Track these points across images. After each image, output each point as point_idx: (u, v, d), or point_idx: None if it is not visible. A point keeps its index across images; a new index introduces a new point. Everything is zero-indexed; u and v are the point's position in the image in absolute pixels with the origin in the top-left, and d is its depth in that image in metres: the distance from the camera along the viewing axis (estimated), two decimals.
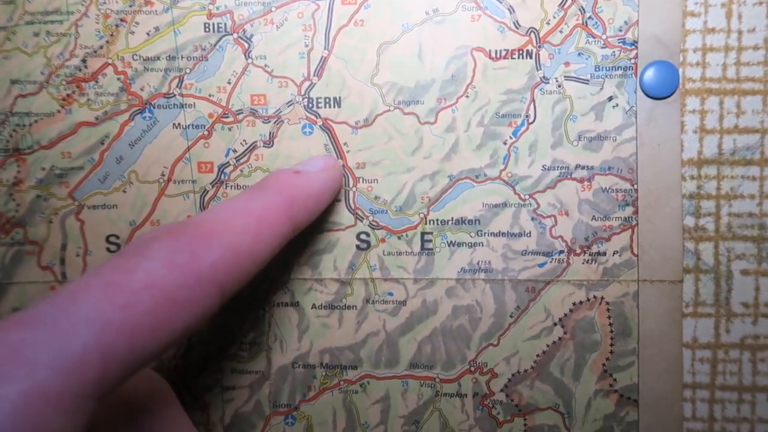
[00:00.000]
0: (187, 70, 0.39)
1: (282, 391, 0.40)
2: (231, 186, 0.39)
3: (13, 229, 0.40)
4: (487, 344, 0.39)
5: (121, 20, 0.38)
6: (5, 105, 0.39)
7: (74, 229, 0.40)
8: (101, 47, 0.39)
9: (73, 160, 0.39)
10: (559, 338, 0.39)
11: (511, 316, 0.39)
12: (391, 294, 0.39)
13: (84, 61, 0.39)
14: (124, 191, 0.39)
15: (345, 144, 0.39)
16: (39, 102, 0.39)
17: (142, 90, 0.39)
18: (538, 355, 0.39)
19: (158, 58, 0.39)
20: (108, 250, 0.40)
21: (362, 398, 0.40)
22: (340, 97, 0.38)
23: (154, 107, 0.39)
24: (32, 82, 0.39)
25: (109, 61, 0.39)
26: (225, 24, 0.38)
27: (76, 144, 0.39)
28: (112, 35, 0.38)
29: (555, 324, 0.39)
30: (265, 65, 0.38)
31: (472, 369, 0.40)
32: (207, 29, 0.38)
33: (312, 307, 0.40)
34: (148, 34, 0.38)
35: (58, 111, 0.39)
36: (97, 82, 0.39)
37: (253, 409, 0.41)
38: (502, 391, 0.39)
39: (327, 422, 0.40)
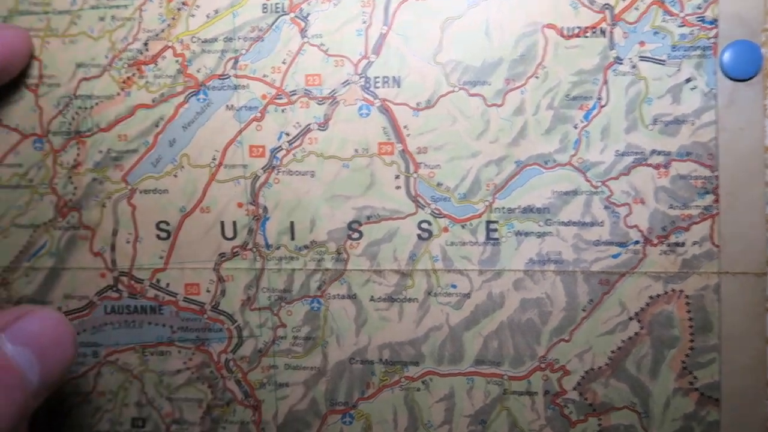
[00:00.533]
0: (243, 51, 0.39)
1: (339, 389, 0.40)
2: (283, 171, 0.39)
3: (70, 212, 0.41)
4: (558, 340, 0.38)
5: (183, 4, 0.39)
6: (70, 88, 0.41)
7: (126, 214, 0.40)
8: (163, 31, 0.40)
9: (128, 143, 0.40)
10: (635, 333, 0.38)
11: (584, 310, 0.38)
12: (454, 286, 0.39)
13: (146, 44, 0.40)
14: (175, 175, 0.40)
15: (405, 127, 0.38)
16: (101, 85, 0.41)
17: (198, 72, 0.39)
18: (612, 351, 0.38)
19: (216, 40, 0.39)
20: (158, 237, 0.40)
21: (425, 396, 0.39)
22: (399, 77, 0.38)
23: (208, 89, 0.39)
24: (96, 66, 0.40)
25: (169, 44, 0.40)
26: (282, 4, 0.39)
27: (133, 126, 0.40)
28: (174, 19, 0.40)
29: (630, 318, 0.38)
30: (321, 44, 0.39)
31: (543, 366, 0.39)
32: (265, 10, 0.39)
33: (370, 300, 0.39)
34: (207, 16, 0.39)
35: (118, 93, 0.40)
36: (156, 64, 0.40)
37: (308, 407, 0.40)
38: (574, 389, 0.38)
39: (387, 421, 0.39)
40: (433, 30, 0.41)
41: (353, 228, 0.43)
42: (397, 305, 0.43)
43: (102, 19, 0.44)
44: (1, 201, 0.45)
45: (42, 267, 0.45)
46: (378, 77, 0.42)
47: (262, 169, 0.43)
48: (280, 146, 0.43)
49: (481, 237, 0.42)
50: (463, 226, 0.42)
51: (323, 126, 0.43)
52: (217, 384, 0.45)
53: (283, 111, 0.43)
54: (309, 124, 0.43)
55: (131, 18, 0.44)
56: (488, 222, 0.42)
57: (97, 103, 0.44)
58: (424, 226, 0.43)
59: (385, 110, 0.42)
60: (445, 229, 0.42)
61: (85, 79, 0.44)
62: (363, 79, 0.42)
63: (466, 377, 0.42)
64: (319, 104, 0.43)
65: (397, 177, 0.42)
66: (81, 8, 0.44)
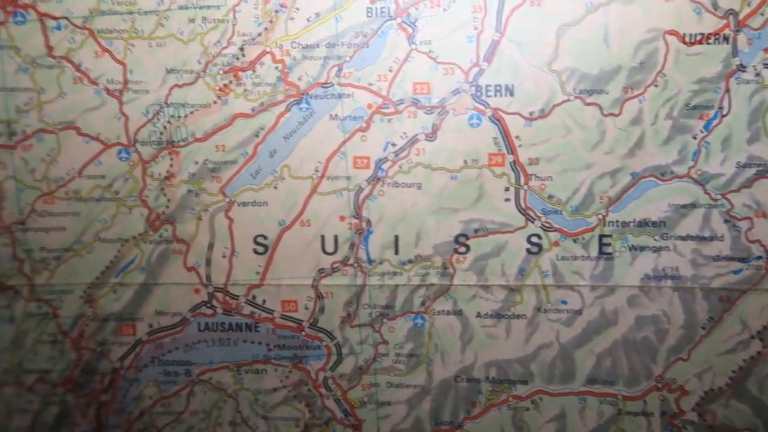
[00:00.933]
0: (347, 58, 0.38)
1: (444, 407, 0.39)
2: (388, 183, 0.37)
3: (162, 225, 0.39)
4: (676, 358, 0.38)
5: (281, 5, 0.38)
6: (160, 95, 0.39)
7: (223, 227, 0.39)
8: (259, 34, 0.38)
9: (226, 154, 0.39)
10: (758, 353, 0.37)
11: (703, 328, 0.37)
12: (565, 302, 0.38)
13: (242, 49, 0.38)
14: (276, 187, 0.38)
15: (517, 137, 0.37)
16: (195, 92, 0.39)
17: (299, 79, 0.38)
18: (733, 371, 0.37)
19: (317, 46, 0.38)
20: (255, 251, 0.39)
21: (534, 416, 0.38)
22: (512, 85, 0.37)
23: (311, 98, 0.38)
24: (188, 72, 0.38)
25: (267, 49, 0.38)
26: (388, 8, 0.37)
27: (231, 136, 0.39)
28: (271, 21, 0.38)
29: (752, 337, 0.37)
30: (430, 51, 0.37)
31: (660, 386, 0.38)
32: (369, 14, 0.38)
33: (477, 316, 0.39)
34: (308, 20, 0.38)
35: (215, 102, 0.39)
36: (254, 71, 0.38)
37: (411, 426, 0.40)
38: (693, 410, 0.38)
39: None
40: (549, 37, 0.40)
41: (460, 242, 0.41)
42: (505, 321, 0.41)
43: (192, 20, 0.42)
44: (82, 214, 0.43)
45: (131, 283, 0.43)
46: (490, 85, 0.40)
47: (366, 180, 0.42)
48: (386, 157, 0.41)
49: (594, 251, 0.41)
50: (574, 240, 0.41)
51: (431, 136, 0.41)
52: (315, 402, 0.43)
53: (389, 121, 0.41)
54: (416, 135, 0.41)
55: (224, 20, 0.42)
56: (601, 236, 0.41)
57: (191, 112, 0.42)
58: (534, 240, 0.41)
59: (496, 120, 0.40)
60: (556, 243, 0.41)
61: (177, 85, 0.42)
62: (474, 88, 0.41)
63: (578, 397, 0.41)
64: (427, 114, 0.41)
65: (507, 189, 0.41)
66: (169, 8, 0.42)
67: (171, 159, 0.42)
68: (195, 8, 0.42)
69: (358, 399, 0.43)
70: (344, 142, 0.42)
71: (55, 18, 0.42)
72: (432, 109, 0.41)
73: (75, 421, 0.44)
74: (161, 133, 0.42)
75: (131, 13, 0.42)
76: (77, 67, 0.42)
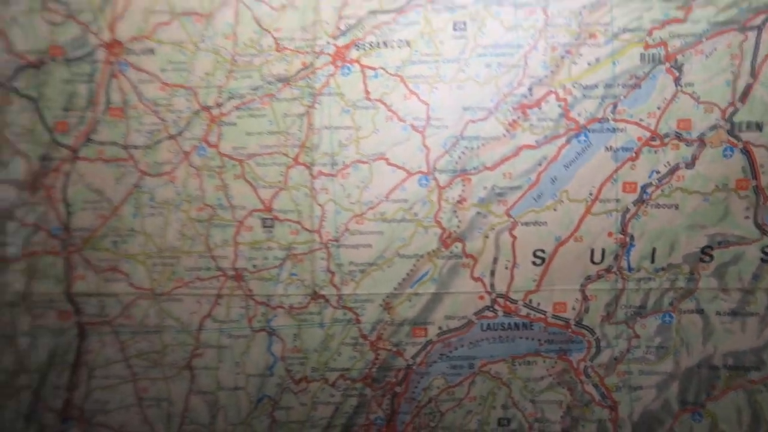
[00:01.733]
0: (621, 97, 0.45)
1: (688, 390, 0.47)
2: (651, 205, 0.45)
3: (453, 243, 0.46)
4: None
5: (567, 52, 0.44)
6: (457, 129, 0.46)
7: (506, 244, 0.46)
8: (546, 77, 0.45)
9: (512, 181, 0.45)
10: None
11: None
12: None
13: (530, 89, 0.45)
14: (555, 209, 0.46)
15: (761, 165, 0.45)
16: (487, 127, 0.46)
17: (579, 115, 0.45)
18: None
19: (596, 86, 0.45)
20: (533, 263, 0.46)
21: (766, 397, 0.47)
22: (762, 122, 0.44)
23: (589, 131, 0.45)
24: (482, 109, 0.45)
25: (552, 89, 0.45)
26: (659, 54, 0.44)
27: (517, 165, 0.45)
28: (557, 66, 0.45)
29: None
30: (693, 92, 0.44)
31: None
32: (642, 59, 0.44)
33: (716, 314, 0.47)
34: (588, 64, 0.44)
35: (504, 135, 0.45)
36: (540, 108, 0.45)
37: (660, 407, 0.47)
38: None
39: (731, 420, 0.47)
40: None
41: (705, 252, 0.50)
42: (740, 318, 0.50)
43: (488, 65, 0.48)
44: (386, 233, 0.50)
45: (425, 292, 0.51)
46: (742, 122, 0.48)
47: (632, 203, 0.49)
48: (651, 182, 0.49)
49: None
50: None
51: (690, 165, 0.49)
52: (576, 388, 0.52)
53: (655, 152, 0.49)
54: (678, 164, 0.49)
55: (516, 65, 0.48)
56: None
57: (483, 144, 0.49)
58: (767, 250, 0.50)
59: (746, 152, 0.48)
60: None
61: (472, 121, 0.49)
62: (729, 124, 0.48)
63: None
64: (687, 146, 0.49)
65: (747, 208, 0.49)
66: (469, 56, 0.48)
67: (463, 185, 0.49)
68: (492, 55, 0.48)
69: (614, 384, 0.51)
70: (616, 170, 0.49)
71: (373, 69, 0.49)
72: (692, 143, 0.49)
73: (371, 409, 0.52)
74: (456, 163, 0.49)
75: (437, 61, 0.49)
76: (389, 108, 0.49)
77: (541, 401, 0.52)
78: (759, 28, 0.47)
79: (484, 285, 0.50)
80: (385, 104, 0.49)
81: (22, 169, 0.54)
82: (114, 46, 0.52)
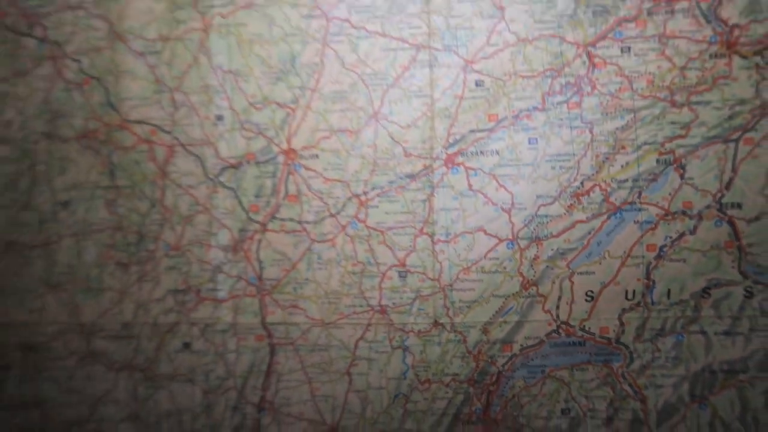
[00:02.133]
0: (644, 187, 0.68)
1: (696, 388, 0.70)
2: (666, 259, 0.69)
3: (530, 287, 0.70)
4: None
5: (606, 158, 0.68)
6: (532, 210, 0.70)
7: (567, 287, 0.70)
8: (592, 174, 0.69)
9: (570, 244, 0.70)
10: None
11: None
12: None
13: (582, 183, 0.69)
14: (600, 263, 0.70)
15: (742, 231, 0.68)
16: (553, 208, 0.69)
17: (615, 200, 0.69)
18: None
19: (626, 180, 0.69)
20: (586, 300, 0.70)
21: (753, 392, 0.69)
22: (741, 203, 0.67)
23: (623, 211, 0.69)
24: (549, 197, 0.69)
25: (597, 183, 0.69)
26: (669, 159, 0.68)
27: (574, 234, 0.69)
28: (600, 167, 0.68)
29: None
30: (693, 183, 0.68)
31: None
32: (658, 162, 0.68)
33: (714, 334, 0.70)
34: (622, 166, 0.68)
35: (564, 213, 0.69)
36: (588, 196, 0.69)
37: (677, 400, 0.71)
38: None
39: (727, 409, 0.71)
40: None
41: (705, 291, 0.72)
42: (731, 337, 0.72)
43: (553, 168, 0.72)
44: (484, 281, 0.75)
45: (510, 321, 0.75)
46: (728, 203, 0.71)
47: (653, 258, 0.72)
48: (666, 244, 0.72)
49: None
50: None
51: (692, 232, 0.72)
52: (617, 387, 0.74)
53: (668, 224, 0.72)
54: (684, 231, 0.72)
55: (572, 167, 0.73)
56: None
57: (550, 220, 0.73)
58: None
59: (731, 223, 0.71)
60: None
61: (543, 205, 0.73)
62: (718, 204, 0.72)
63: None
64: (690, 219, 0.72)
65: (733, 261, 0.72)
66: (540, 161, 0.72)
67: (537, 248, 0.72)
68: (555, 161, 0.73)
69: (643, 384, 0.73)
70: (641, 236, 0.72)
71: (474, 169, 0.73)
72: (693, 217, 0.72)
73: (473, 403, 0.76)
74: (532, 232, 0.73)
75: (518, 165, 0.73)
76: (485, 196, 0.73)
77: (592, 396, 0.74)
78: (736, 141, 0.70)
79: (551, 315, 0.74)
80: (482, 193, 0.73)
81: (227, 238, 0.79)
82: (290, 153, 0.77)
